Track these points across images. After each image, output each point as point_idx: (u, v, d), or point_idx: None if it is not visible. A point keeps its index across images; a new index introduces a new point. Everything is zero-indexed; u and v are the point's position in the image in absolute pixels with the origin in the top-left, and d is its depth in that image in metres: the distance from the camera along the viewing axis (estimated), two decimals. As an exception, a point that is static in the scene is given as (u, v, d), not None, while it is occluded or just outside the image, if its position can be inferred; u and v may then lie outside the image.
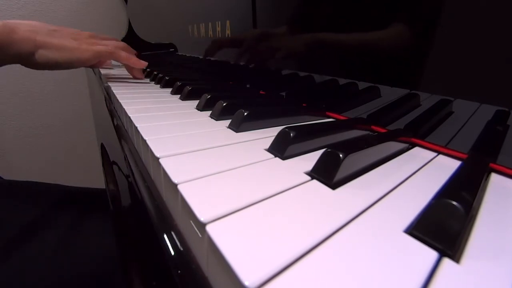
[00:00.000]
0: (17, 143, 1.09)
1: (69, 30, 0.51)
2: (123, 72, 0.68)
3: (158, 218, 0.18)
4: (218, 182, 0.16)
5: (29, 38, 0.43)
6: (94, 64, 0.58)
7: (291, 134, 0.21)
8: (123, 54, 0.53)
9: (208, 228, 0.12)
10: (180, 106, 0.36)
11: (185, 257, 0.14)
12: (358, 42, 0.29)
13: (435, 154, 0.24)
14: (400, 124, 0.27)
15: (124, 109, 0.33)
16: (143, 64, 0.57)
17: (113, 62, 0.79)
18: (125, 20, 1.18)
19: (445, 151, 0.24)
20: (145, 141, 0.22)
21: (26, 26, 0.44)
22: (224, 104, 0.31)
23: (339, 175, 0.17)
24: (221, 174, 0.17)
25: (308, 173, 0.18)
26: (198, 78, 0.59)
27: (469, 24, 0.21)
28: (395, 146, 0.23)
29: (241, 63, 0.50)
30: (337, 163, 0.17)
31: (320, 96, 0.36)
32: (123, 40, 1.03)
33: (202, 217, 0.12)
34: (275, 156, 0.21)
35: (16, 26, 0.42)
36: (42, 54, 0.44)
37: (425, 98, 0.25)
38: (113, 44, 0.55)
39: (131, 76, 0.62)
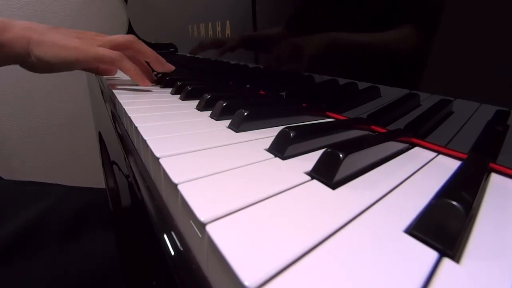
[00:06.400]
0: (17, 143, 1.09)
1: (73, 30, 0.46)
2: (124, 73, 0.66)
3: (158, 218, 0.18)
4: (218, 182, 0.16)
5: (24, 37, 0.40)
6: (96, 68, 0.54)
7: (291, 134, 0.21)
8: (127, 64, 0.45)
9: (208, 228, 0.12)
10: (180, 106, 0.36)
11: (185, 257, 0.14)
12: (358, 42, 0.29)
13: (435, 154, 0.24)
14: (400, 124, 0.27)
15: (124, 109, 0.33)
16: (146, 82, 0.48)
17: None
18: (125, 20, 1.18)
19: (445, 151, 0.24)
20: (145, 141, 0.22)
21: (22, 24, 0.41)
22: (224, 104, 0.31)
23: (339, 175, 0.17)
24: (221, 174, 0.17)
25: (308, 173, 0.18)
26: (198, 78, 0.59)
27: (469, 24, 0.21)
28: (395, 146, 0.23)
29: (241, 63, 0.50)
30: (337, 163, 0.17)
31: (320, 96, 0.36)
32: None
33: (202, 217, 0.12)
34: (275, 156, 0.21)
35: (12, 23, 0.40)
36: (36, 55, 0.40)
37: (425, 98, 0.25)
38: (121, 42, 0.47)
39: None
